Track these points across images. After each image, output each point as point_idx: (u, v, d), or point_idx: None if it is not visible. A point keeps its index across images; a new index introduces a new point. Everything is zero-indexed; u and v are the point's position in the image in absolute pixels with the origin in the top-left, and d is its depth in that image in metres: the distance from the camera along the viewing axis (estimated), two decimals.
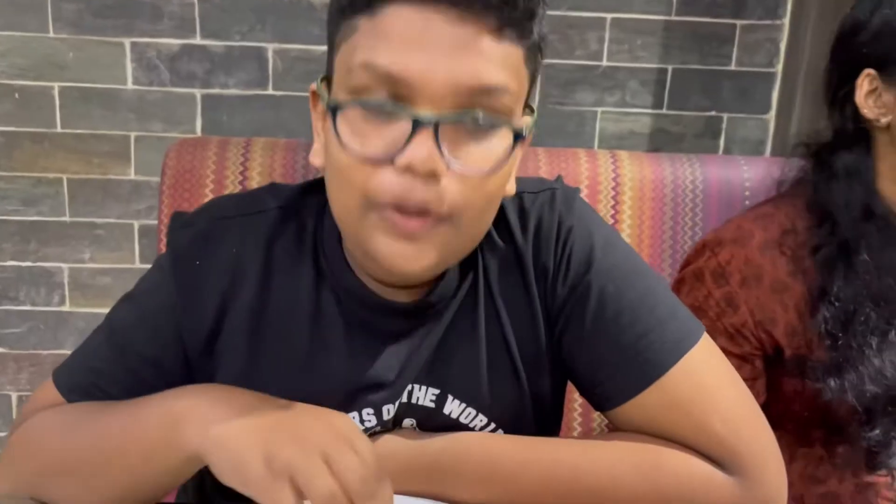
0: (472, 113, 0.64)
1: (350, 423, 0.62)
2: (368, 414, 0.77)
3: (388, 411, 0.77)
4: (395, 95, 0.64)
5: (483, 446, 0.75)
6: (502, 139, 0.67)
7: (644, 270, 0.79)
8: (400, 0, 0.62)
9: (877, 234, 0.95)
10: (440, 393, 0.78)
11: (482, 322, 0.78)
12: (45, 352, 2.09)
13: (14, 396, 2.14)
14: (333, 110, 0.66)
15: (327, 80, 0.72)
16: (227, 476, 0.59)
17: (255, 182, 1.26)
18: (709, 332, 0.97)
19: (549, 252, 0.78)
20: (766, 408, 0.78)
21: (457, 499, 0.72)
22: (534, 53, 0.69)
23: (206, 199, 1.23)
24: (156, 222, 1.28)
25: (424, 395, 0.78)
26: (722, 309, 0.99)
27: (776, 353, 1.00)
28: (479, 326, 0.78)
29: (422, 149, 0.62)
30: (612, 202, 1.30)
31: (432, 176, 0.64)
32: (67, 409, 0.75)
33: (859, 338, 0.93)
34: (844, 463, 1.00)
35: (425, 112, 0.63)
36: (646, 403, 0.74)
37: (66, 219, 2.01)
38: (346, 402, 0.76)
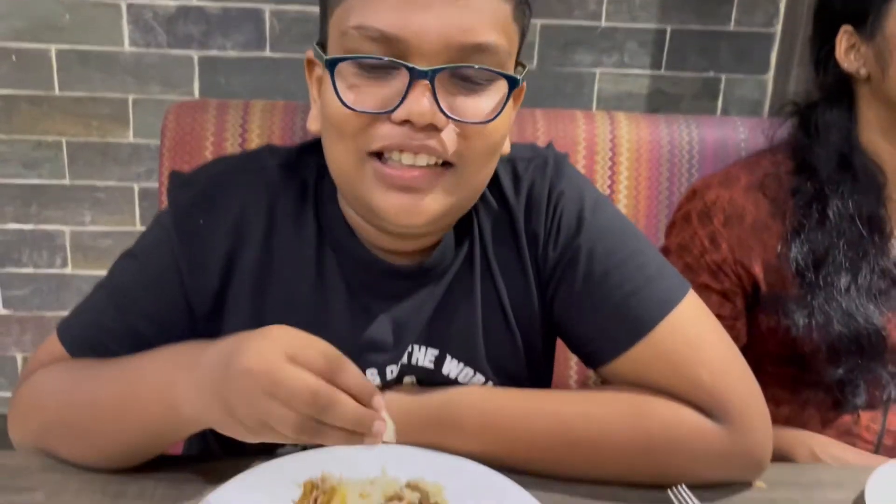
0: (465, 67, 0.66)
1: (280, 337, 0.61)
2: (372, 374, 0.79)
3: (392, 371, 0.79)
4: (390, 55, 0.65)
5: (481, 399, 0.78)
6: (497, 91, 0.69)
7: (632, 232, 0.81)
8: None
9: (852, 183, 1.00)
10: (439, 353, 0.80)
11: (478, 284, 0.80)
12: (49, 314, 2.11)
13: (19, 358, 2.17)
14: (331, 66, 0.67)
15: (321, 45, 0.73)
16: (233, 436, 0.62)
17: (254, 144, 1.26)
18: (694, 268, 1.04)
19: (539, 218, 0.80)
20: (745, 350, 0.82)
21: (455, 449, 0.75)
22: (521, 10, 0.70)
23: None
24: (156, 185, 1.29)
25: (424, 356, 0.80)
26: (705, 247, 1.04)
27: (754, 291, 1.05)
28: (475, 289, 0.80)
29: (419, 102, 0.64)
30: (610, 163, 1.31)
31: (432, 128, 0.66)
32: (68, 366, 0.77)
33: (828, 278, 0.98)
34: (816, 403, 1.04)
35: (421, 66, 0.64)
36: (635, 358, 0.76)
37: (67, 182, 2.02)
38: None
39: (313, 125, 0.75)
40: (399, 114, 0.65)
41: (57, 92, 1.95)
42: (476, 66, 0.67)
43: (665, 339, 0.75)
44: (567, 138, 1.30)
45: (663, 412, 0.74)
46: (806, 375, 1.03)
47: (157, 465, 0.73)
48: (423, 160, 0.68)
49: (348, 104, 0.66)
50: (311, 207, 0.79)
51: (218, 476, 0.70)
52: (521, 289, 0.81)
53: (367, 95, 0.66)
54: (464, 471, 0.72)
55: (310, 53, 0.76)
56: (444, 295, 0.79)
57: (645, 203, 1.32)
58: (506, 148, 0.77)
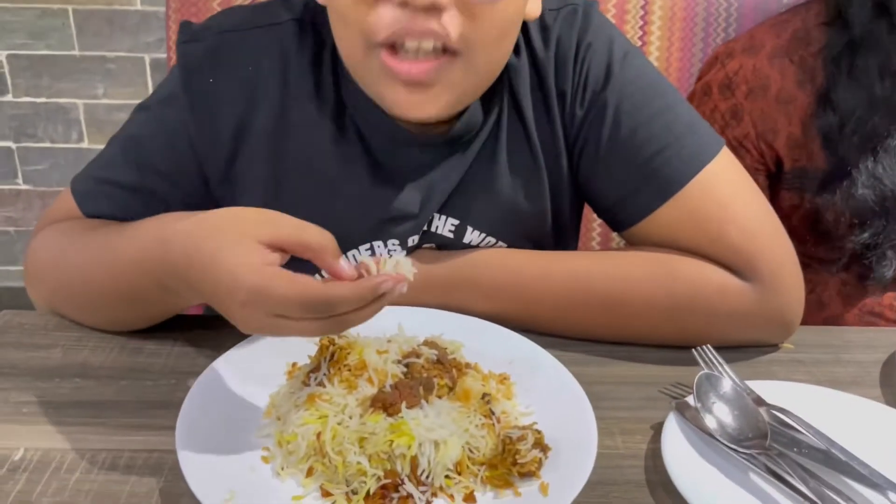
0: None
1: (256, 288, 0.51)
2: (394, 244, 0.77)
3: (413, 241, 0.77)
4: None
5: (500, 257, 0.76)
6: None
7: (663, 86, 0.76)
8: None
9: (887, 34, 0.92)
10: (459, 224, 0.78)
11: (504, 152, 0.77)
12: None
13: None
14: None
15: None
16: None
17: None
18: None
19: (567, 74, 0.75)
20: None
21: (474, 310, 0.73)
22: None
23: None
24: (165, 56, 1.23)
25: (444, 225, 0.77)
26: (726, 121, 0.99)
27: (777, 168, 1.00)
28: (502, 157, 0.77)
29: None
30: (641, 23, 1.23)
31: (433, 8, 0.60)
32: (72, 228, 0.74)
33: (857, 141, 0.92)
34: (837, 283, 1.01)
35: None
36: (662, 219, 0.73)
37: (76, 52, 1.96)
38: (371, 232, 0.76)
39: None
40: None
41: None
42: None
43: (694, 197, 0.72)
44: None
45: (689, 270, 0.72)
46: (826, 252, 1.00)
47: (177, 322, 0.73)
48: (428, 44, 0.63)
49: None
50: (328, 72, 0.74)
51: (236, 334, 0.69)
52: (552, 151, 0.78)
53: None
54: (480, 329, 0.71)
55: None
56: (470, 164, 0.76)
57: (676, 66, 1.25)
58: (532, 11, 0.72)
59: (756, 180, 0.98)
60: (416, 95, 0.65)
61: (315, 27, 0.74)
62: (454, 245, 0.78)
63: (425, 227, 0.77)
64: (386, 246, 0.77)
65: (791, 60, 0.97)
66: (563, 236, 0.84)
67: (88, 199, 0.76)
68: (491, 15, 0.64)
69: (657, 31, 1.24)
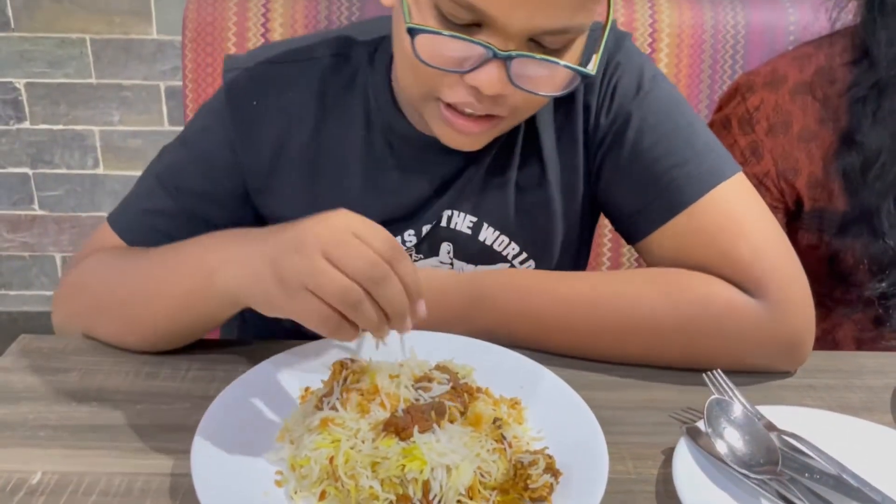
0: (544, 48, 0.65)
1: (350, 216, 0.60)
2: (410, 235, 0.81)
3: (425, 230, 0.81)
4: (472, 22, 0.64)
5: (508, 280, 0.77)
6: (575, 50, 0.68)
7: (686, 109, 0.80)
8: None
9: None
10: (477, 221, 0.81)
11: (519, 155, 0.81)
12: (84, 214, 2.14)
13: (58, 257, 2.21)
14: (411, 32, 0.64)
15: None
16: (263, 307, 0.61)
17: (277, 35, 1.22)
18: None
19: (593, 88, 0.80)
20: None
21: (484, 332, 0.74)
22: None
23: (229, 54, 1.20)
24: (181, 83, 1.26)
25: (462, 222, 0.81)
26: (746, 158, 0.97)
27: (797, 207, 0.98)
28: (515, 159, 0.81)
29: (491, 76, 0.64)
30: (648, 50, 1.25)
31: (496, 98, 0.66)
32: (119, 251, 0.78)
33: (879, 186, 0.90)
34: (851, 322, 0.99)
35: (502, 45, 0.63)
36: (675, 231, 0.75)
37: (93, 80, 2.00)
38: (391, 230, 0.78)
39: (407, 19, 0.69)
40: (471, 81, 0.65)
41: None
42: (554, 51, 0.66)
43: (706, 212, 0.74)
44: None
45: (697, 286, 0.73)
46: (843, 293, 0.98)
47: (191, 347, 0.74)
48: (485, 111, 0.69)
49: (424, 59, 0.65)
50: (360, 94, 0.81)
51: (250, 359, 0.70)
52: (570, 161, 0.82)
53: (445, 48, 0.65)
54: (491, 353, 0.72)
55: None
56: (488, 166, 0.81)
57: (685, 92, 1.26)
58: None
59: (775, 218, 0.98)
60: (463, 138, 0.72)
61: (349, 60, 0.81)
62: (470, 242, 0.82)
63: (445, 223, 0.81)
64: (402, 237, 0.81)
65: (814, 97, 0.94)
66: (574, 249, 0.86)
67: (130, 232, 0.80)
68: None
69: (665, 57, 1.25)
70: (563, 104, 0.80)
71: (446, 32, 0.63)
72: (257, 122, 0.79)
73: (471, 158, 0.80)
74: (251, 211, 0.83)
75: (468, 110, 0.69)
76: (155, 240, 0.77)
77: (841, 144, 0.93)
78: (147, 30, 1.95)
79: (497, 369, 0.69)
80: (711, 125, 1.03)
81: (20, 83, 2.00)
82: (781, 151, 0.95)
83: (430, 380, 0.63)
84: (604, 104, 0.79)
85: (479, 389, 0.65)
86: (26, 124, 2.04)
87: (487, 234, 0.82)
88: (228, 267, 0.63)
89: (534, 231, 0.83)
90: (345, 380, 0.62)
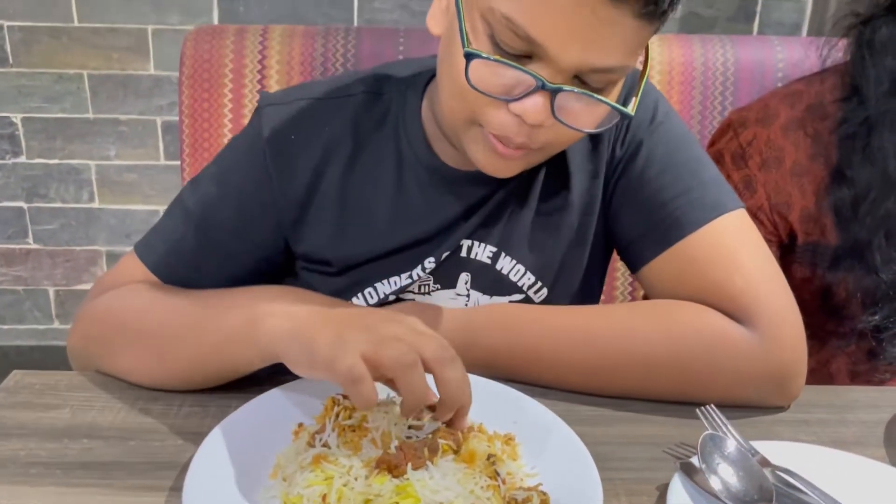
0: (592, 85, 0.67)
1: (419, 308, 0.66)
2: (429, 262, 0.81)
3: (444, 255, 0.82)
4: (525, 52, 0.65)
5: (501, 315, 0.78)
6: (616, 89, 0.70)
7: (696, 145, 0.83)
8: None
9: None
10: (496, 251, 0.83)
11: (542, 184, 0.83)
12: (79, 248, 2.14)
13: (51, 291, 2.21)
14: (468, 57, 0.66)
15: None
16: (297, 360, 0.61)
17: (273, 71, 1.24)
18: None
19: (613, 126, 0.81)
20: None
21: (478, 368, 0.73)
22: (663, 23, 0.67)
23: (226, 90, 1.22)
24: (177, 118, 1.27)
25: (483, 252, 0.83)
26: (740, 191, 0.97)
27: (790, 241, 0.99)
28: (537, 189, 0.83)
29: (536, 106, 0.66)
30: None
31: (537, 129, 0.68)
32: (156, 286, 0.80)
33: (870, 221, 0.91)
34: (845, 355, 1.00)
35: (550, 77, 0.65)
36: (672, 259, 0.77)
37: (90, 115, 2.01)
38: (413, 257, 0.82)
39: (434, 26, 0.73)
40: (516, 109, 0.67)
41: (76, 23, 1.93)
42: (600, 89, 0.67)
43: (704, 243, 0.76)
44: None
45: (689, 315, 0.74)
46: (836, 326, 0.98)
47: None
48: (523, 138, 0.70)
49: (475, 85, 0.67)
50: (391, 129, 0.83)
51: (243, 395, 0.70)
52: (593, 192, 0.83)
53: (495, 75, 0.67)
54: (485, 389, 0.72)
55: None
56: (511, 197, 0.82)
57: None
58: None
59: (771, 253, 0.99)
60: (503, 163, 0.73)
61: (381, 97, 0.84)
62: (489, 271, 0.83)
63: (465, 253, 0.82)
64: (423, 265, 0.81)
65: (805, 133, 0.96)
66: (589, 280, 0.87)
67: (159, 264, 0.81)
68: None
69: None
70: (593, 137, 0.83)
71: (502, 60, 0.65)
72: (295, 155, 0.81)
73: (495, 189, 0.81)
74: (281, 246, 0.84)
75: (509, 135, 0.70)
76: (184, 273, 0.80)
77: (832, 180, 0.94)
78: (144, 65, 1.97)
79: (491, 404, 0.69)
80: None
81: (17, 118, 2.01)
82: (774, 186, 0.96)
83: (419, 418, 0.63)
84: (621, 135, 0.82)
85: (472, 426, 0.65)
86: (22, 158, 2.05)
87: (505, 264, 0.83)
88: (275, 318, 0.65)
89: (552, 262, 0.84)
90: (337, 416, 0.62)
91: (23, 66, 1.96)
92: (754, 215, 0.97)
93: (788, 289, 0.76)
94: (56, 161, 2.05)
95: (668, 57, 1.27)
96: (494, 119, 0.69)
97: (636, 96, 0.70)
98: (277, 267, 0.85)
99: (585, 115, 0.68)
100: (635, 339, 0.74)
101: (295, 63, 1.25)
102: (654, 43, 1.27)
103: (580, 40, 0.63)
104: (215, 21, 1.93)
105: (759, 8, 1.98)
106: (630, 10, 0.62)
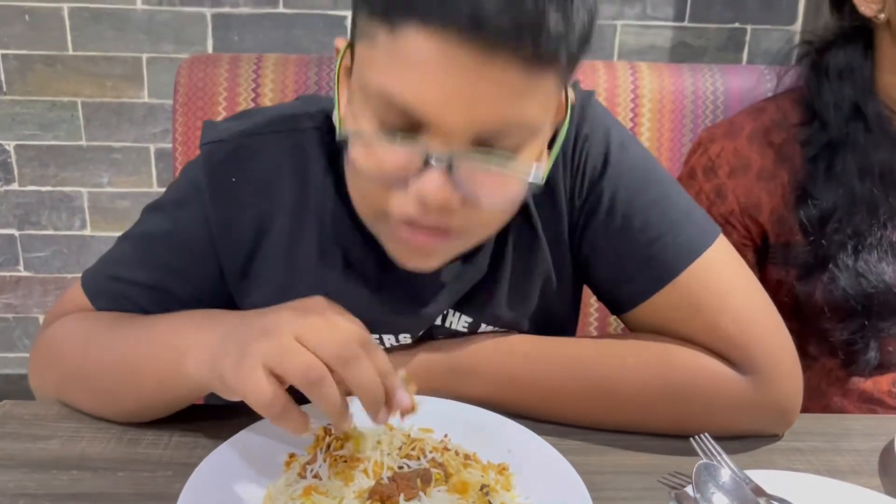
0: (490, 150, 0.59)
1: (326, 304, 0.60)
2: (404, 337, 0.78)
3: (421, 332, 0.78)
4: (410, 125, 0.59)
5: (496, 343, 0.77)
6: (531, 153, 0.63)
7: (659, 175, 0.78)
8: (420, 21, 0.55)
9: (864, 134, 0.94)
10: (473, 321, 0.79)
11: (511, 252, 0.77)
12: (70, 275, 2.13)
13: (41, 319, 2.19)
14: (343, 142, 0.62)
15: (351, 47, 0.65)
16: (220, 391, 0.60)
17: (267, 99, 1.24)
18: None
19: (566, 166, 0.77)
20: None
21: (472, 398, 0.74)
22: (572, 66, 0.62)
23: (220, 118, 1.22)
24: (171, 145, 1.27)
25: (458, 321, 0.79)
26: (711, 200, 1.01)
27: (763, 242, 1.02)
28: (508, 256, 0.77)
29: (434, 184, 0.58)
30: (631, 114, 1.28)
31: (444, 208, 0.60)
32: (87, 317, 0.76)
33: (836, 237, 0.93)
34: (824, 368, 1.01)
35: (440, 149, 0.58)
36: (659, 305, 0.74)
37: (83, 143, 2.02)
38: (381, 327, 0.76)
39: (340, 129, 0.65)
40: (413, 192, 0.60)
41: (70, 51, 1.94)
42: (500, 152, 0.60)
43: (690, 285, 0.73)
44: (587, 89, 1.26)
45: (684, 359, 0.72)
46: (812, 335, 1.00)
47: (174, 413, 0.73)
48: (435, 224, 0.63)
49: (363, 169, 0.61)
50: (343, 180, 0.73)
51: (233, 425, 0.69)
52: (557, 245, 0.78)
53: (386, 161, 0.60)
54: (479, 418, 0.71)
55: (339, 42, 0.68)
56: (479, 266, 0.76)
57: (668, 155, 1.29)
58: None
59: (745, 256, 0.97)
60: (421, 257, 0.67)
61: (333, 135, 0.73)
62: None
63: (440, 322, 0.78)
64: (397, 339, 0.78)
65: (769, 143, 1.00)
66: (564, 324, 0.85)
67: (101, 297, 0.77)
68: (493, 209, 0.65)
69: (647, 122, 1.28)
70: (546, 187, 0.75)
71: (381, 136, 0.59)
72: (237, 202, 0.74)
73: (465, 258, 0.75)
74: (225, 296, 0.77)
75: (419, 223, 0.63)
76: (123, 308, 0.75)
77: (798, 198, 0.97)
78: (139, 93, 1.98)
79: (484, 434, 0.69)
80: (679, 180, 1.07)
81: (10, 145, 2.01)
82: (743, 190, 1.00)
83: (409, 456, 0.62)
84: (577, 182, 0.76)
85: (466, 456, 0.64)
86: (14, 186, 2.05)
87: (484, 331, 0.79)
88: (199, 352, 0.62)
89: (528, 318, 0.80)
90: (328, 446, 0.62)
91: (17, 94, 1.96)
92: (727, 220, 1.01)
93: (780, 321, 0.75)
94: (48, 188, 2.05)
95: (659, 86, 1.28)
96: (397, 204, 0.62)
97: (549, 159, 0.65)
98: None
99: (493, 184, 0.60)
100: (631, 381, 0.72)
101: (289, 91, 1.25)
102: (645, 72, 1.29)
103: (460, 102, 0.56)
104: (209, 50, 1.94)
105: (747, 37, 2.00)
106: (506, 59, 0.55)
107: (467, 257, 0.75)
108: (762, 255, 1.03)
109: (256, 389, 0.55)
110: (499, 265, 0.77)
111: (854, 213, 0.93)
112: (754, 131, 1.01)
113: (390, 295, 0.75)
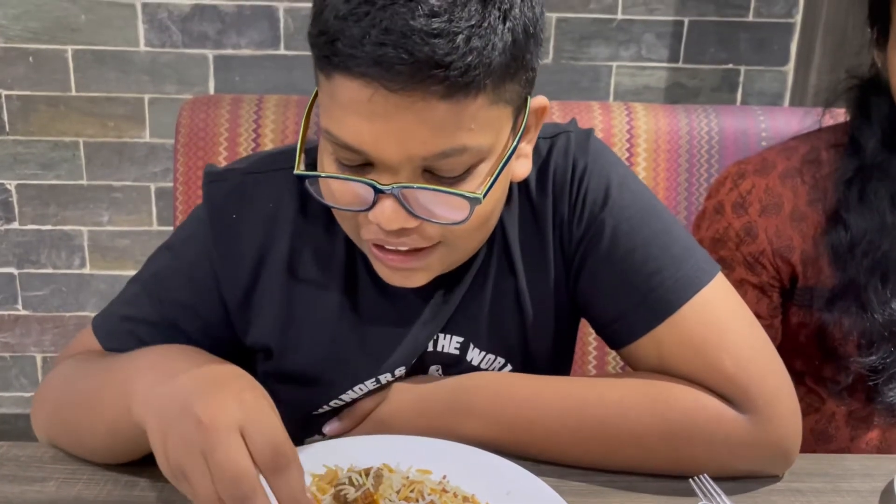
0: (434, 175, 0.64)
1: (247, 404, 0.57)
2: (400, 370, 0.78)
3: (413, 360, 0.79)
4: (363, 160, 0.64)
5: (492, 382, 0.77)
6: (477, 176, 0.66)
7: (659, 210, 0.79)
8: (345, 71, 0.60)
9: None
10: (463, 341, 0.80)
11: (494, 274, 0.79)
12: (68, 314, 2.12)
13: (38, 358, 2.18)
14: (300, 179, 0.66)
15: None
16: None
17: (268, 140, 1.26)
18: (729, 262, 0.98)
19: (563, 198, 0.78)
20: (778, 348, 0.78)
21: (468, 437, 0.73)
22: (508, 82, 0.63)
23: (221, 158, 1.24)
24: (171, 185, 1.29)
25: (449, 343, 0.79)
26: (741, 238, 0.99)
27: (791, 284, 1.00)
28: (490, 279, 0.79)
29: (386, 211, 0.64)
30: (627, 154, 1.29)
31: (403, 231, 0.66)
32: (81, 358, 0.77)
33: (867, 262, 0.93)
34: (843, 414, 1.00)
35: (385, 180, 0.63)
36: (658, 340, 0.74)
37: (84, 182, 2.03)
38: (378, 361, 0.77)
39: (297, 167, 0.69)
40: (371, 218, 0.66)
41: (73, 92, 1.96)
42: (443, 177, 0.64)
43: (689, 322, 0.73)
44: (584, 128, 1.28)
45: (683, 398, 0.72)
46: (834, 373, 0.98)
47: None
48: (404, 247, 0.68)
49: (329, 203, 0.68)
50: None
51: None
52: (540, 272, 0.79)
53: (345, 193, 0.66)
54: (478, 459, 0.71)
55: None
56: (469, 287, 0.78)
57: (664, 195, 1.30)
58: (521, 174, 0.74)
59: (770, 298, 1.00)
60: (401, 274, 0.71)
61: None
62: (459, 362, 0.80)
63: (431, 347, 0.79)
64: (393, 374, 0.78)
65: (803, 181, 0.99)
66: (558, 358, 0.85)
67: (111, 338, 0.78)
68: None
69: (643, 161, 1.30)
70: (528, 214, 0.79)
71: (332, 175, 0.65)
72: (237, 236, 0.77)
73: (452, 281, 0.78)
74: (231, 334, 0.79)
75: (389, 246, 0.68)
76: (133, 347, 0.74)
77: (829, 222, 0.96)
78: (140, 133, 2.00)
79: (484, 475, 0.68)
80: (703, 214, 1.06)
81: (11, 185, 2.03)
82: (775, 230, 0.98)
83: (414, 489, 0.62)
84: (575, 212, 0.77)
85: (465, 498, 0.64)
86: (15, 225, 2.06)
87: (474, 355, 0.80)
88: (145, 401, 0.61)
89: (514, 345, 0.81)
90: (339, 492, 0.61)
91: (19, 134, 1.98)
92: (757, 260, 0.99)
93: (779, 359, 0.75)
94: (49, 227, 2.06)
95: (654, 126, 1.30)
96: (364, 231, 0.68)
97: (490, 178, 0.66)
98: (235, 356, 0.73)
99: (448, 203, 0.64)
100: (629, 420, 0.72)
101: (289, 132, 1.27)
102: (640, 112, 1.31)
103: (390, 139, 0.61)
104: (211, 90, 1.97)
105: (741, 78, 2.03)
106: (422, 97, 0.59)
107: (451, 276, 0.77)
108: (785, 297, 1.02)
109: (174, 479, 0.56)
110: (480, 287, 0.79)
111: (884, 239, 0.93)
112: (787, 169, 1.00)
113: (386, 320, 0.78)
